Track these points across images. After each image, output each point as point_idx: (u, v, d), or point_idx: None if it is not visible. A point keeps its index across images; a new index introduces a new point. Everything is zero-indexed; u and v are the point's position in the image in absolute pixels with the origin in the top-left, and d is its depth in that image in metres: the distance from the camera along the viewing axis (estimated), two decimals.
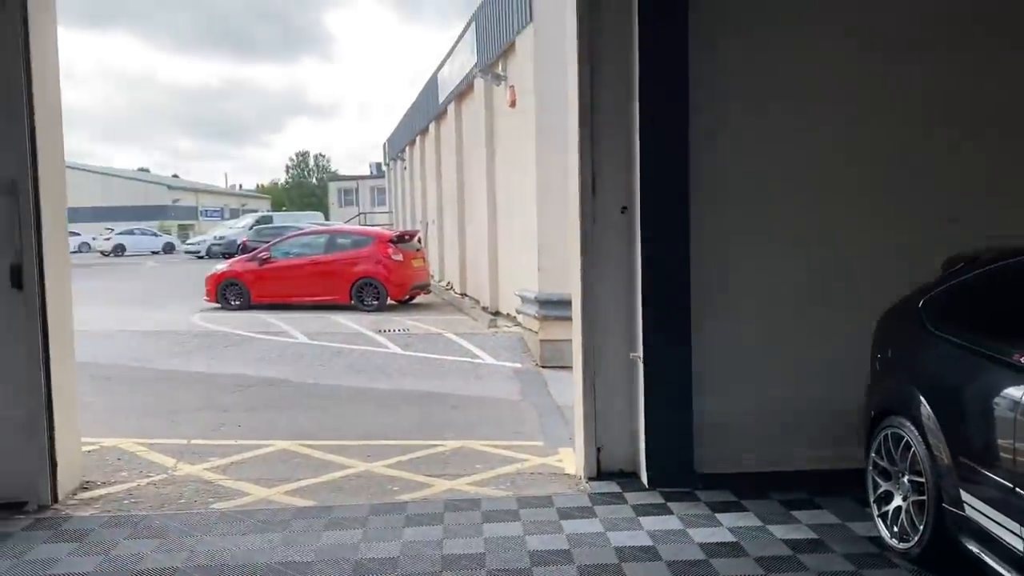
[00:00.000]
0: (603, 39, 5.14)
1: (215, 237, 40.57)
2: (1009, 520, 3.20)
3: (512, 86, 13.71)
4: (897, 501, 4.02)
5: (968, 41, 5.22)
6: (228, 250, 33.93)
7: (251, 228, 36.35)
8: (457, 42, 18.44)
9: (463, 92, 18.18)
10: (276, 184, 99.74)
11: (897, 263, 4.90)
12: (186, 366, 10.60)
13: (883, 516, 4.11)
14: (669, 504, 4.78)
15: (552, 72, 9.97)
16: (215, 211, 68.57)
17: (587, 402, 5.31)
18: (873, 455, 4.21)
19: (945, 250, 4.33)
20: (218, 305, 16.81)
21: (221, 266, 18.20)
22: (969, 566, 3.48)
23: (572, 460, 5.73)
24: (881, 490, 4.15)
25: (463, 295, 18.81)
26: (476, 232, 17.12)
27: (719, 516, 4.58)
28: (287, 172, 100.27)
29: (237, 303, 16.72)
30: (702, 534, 4.33)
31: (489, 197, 15.56)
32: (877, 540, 4.13)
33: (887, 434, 4.07)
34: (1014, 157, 5.24)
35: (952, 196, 5.18)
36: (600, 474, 5.29)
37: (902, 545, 3.92)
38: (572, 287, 5.52)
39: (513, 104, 13.56)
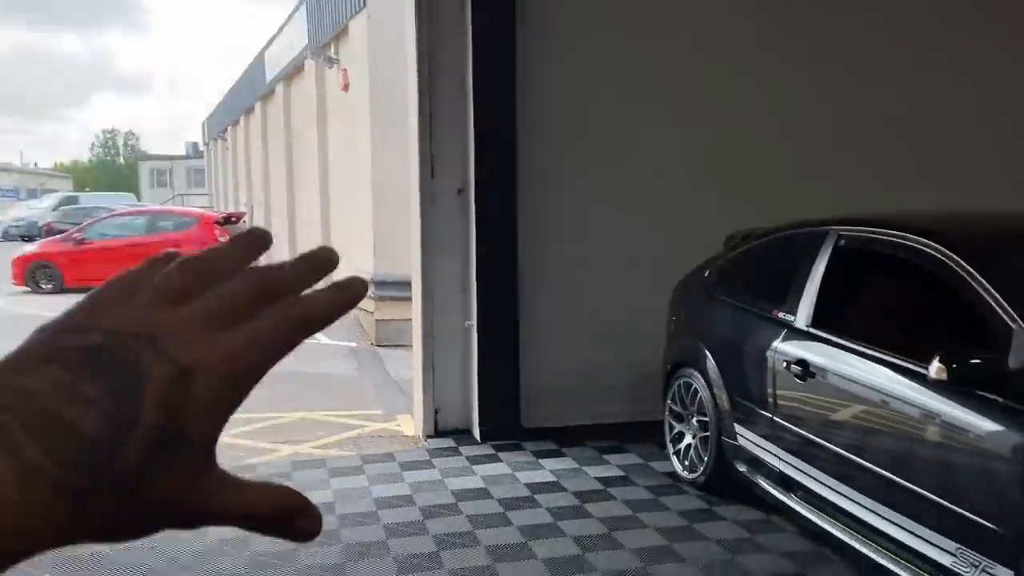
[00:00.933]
0: (440, 26, 5.59)
1: (13, 219, 37.40)
2: (770, 445, 3.99)
3: (345, 69, 13.86)
4: (688, 439, 4.79)
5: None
6: (29, 232, 31.42)
7: (55, 209, 33.85)
8: (287, 21, 18.24)
9: (293, 73, 18.03)
10: (77, 163, 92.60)
11: (691, 242, 5.67)
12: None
13: (677, 453, 4.88)
14: (499, 454, 5.35)
15: (387, 56, 10.32)
16: (10, 191, 62.92)
17: (425, 367, 5.78)
18: (669, 402, 4.97)
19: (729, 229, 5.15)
20: (27, 288, 15.82)
21: (30, 247, 17.10)
22: (742, 486, 4.27)
23: (411, 424, 6.18)
24: (675, 431, 4.91)
25: None
26: (307, 215, 17.10)
27: (542, 462, 5.20)
28: (91, 150, 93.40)
29: (49, 286, 15.81)
30: (527, 476, 4.93)
31: (321, 180, 15.62)
32: (672, 474, 4.89)
33: (680, 383, 4.83)
34: (790, 153, 6.20)
35: (741, 186, 6.07)
36: (437, 433, 5.78)
37: (691, 475, 4.69)
38: (412, 262, 5.97)
39: (346, 88, 13.72)
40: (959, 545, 2.88)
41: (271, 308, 0.39)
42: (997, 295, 2.93)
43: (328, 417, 6.73)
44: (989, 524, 2.74)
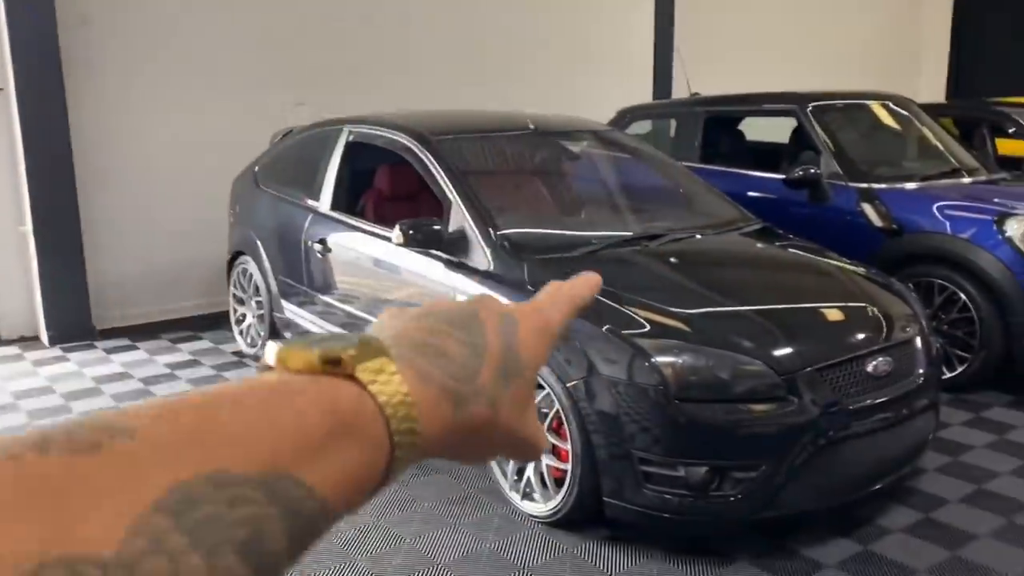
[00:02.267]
0: None
1: None
2: (307, 312, 4.68)
3: None
4: (249, 319, 5.34)
5: None
6: None
7: None
8: None
9: None
10: None
11: (253, 137, 6.03)
12: None
13: (241, 332, 5.41)
14: (68, 355, 5.45)
15: None
16: None
17: None
18: (232, 288, 5.45)
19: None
20: None
21: None
22: None
23: None
24: (238, 313, 5.43)
25: None
26: None
27: (113, 356, 5.42)
28: None
29: None
30: (96, 371, 5.14)
31: None
32: (239, 352, 5.42)
33: (240, 270, 5.33)
34: (345, 54, 6.80)
35: (298, 85, 6.54)
36: (1, 342, 5.67)
37: (253, 350, 5.27)
38: None
39: None
40: None
41: (552, 285, 0.59)
42: (445, 177, 3.80)
43: None
44: None
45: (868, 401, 3.03)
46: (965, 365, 4.56)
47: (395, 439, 0.42)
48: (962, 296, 4.52)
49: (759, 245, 3.91)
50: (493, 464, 3.42)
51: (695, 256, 3.67)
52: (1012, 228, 4.43)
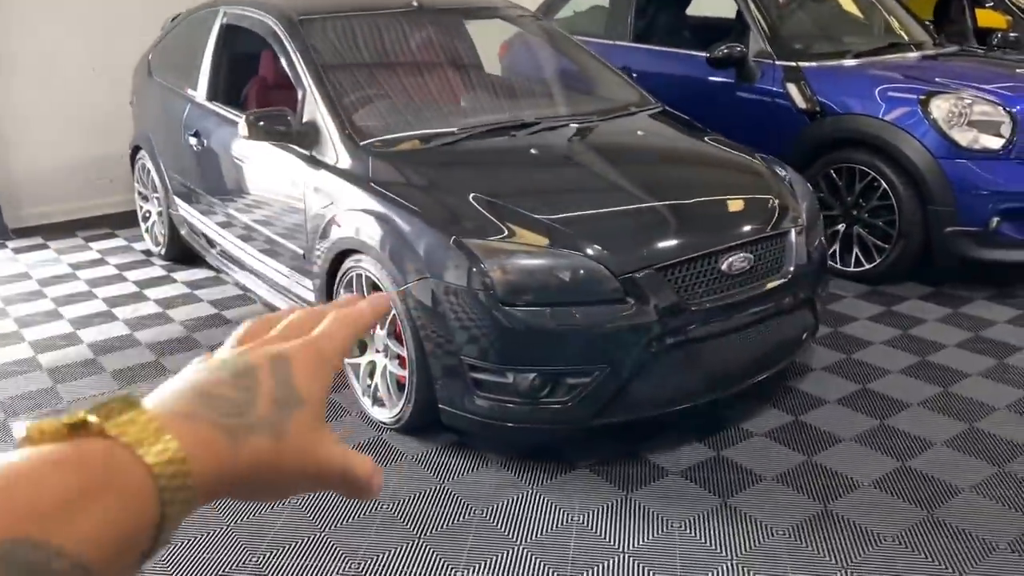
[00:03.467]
0: None
1: None
2: (194, 211, 4.48)
3: None
4: (153, 217, 5.15)
5: None
6: None
7: None
8: None
9: None
10: None
11: (153, 23, 5.62)
12: None
13: (147, 231, 5.23)
14: None
15: None
16: None
17: None
18: (136, 185, 5.24)
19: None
20: None
21: None
22: (185, 248, 4.77)
23: None
24: (144, 210, 5.24)
25: None
26: None
27: (21, 256, 5.28)
28: None
29: None
30: None
31: None
32: (147, 251, 5.26)
33: (140, 165, 5.10)
34: None
35: None
36: None
37: (158, 248, 5.10)
38: None
39: None
40: (290, 269, 3.62)
41: (332, 315, 0.57)
42: (301, 60, 3.51)
43: None
44: (297, 249, 3.48)
45: (719, 301, 2.83)
46: (883, 256, 4.31)
47: (156, 473, 0.43)
48: (882, 183, 4.23)
49: (639, 133, 3.62)
50: (349, 369, 3.29)
51: (559, 147, 3.39)
52: (937, 109, 4.09)
